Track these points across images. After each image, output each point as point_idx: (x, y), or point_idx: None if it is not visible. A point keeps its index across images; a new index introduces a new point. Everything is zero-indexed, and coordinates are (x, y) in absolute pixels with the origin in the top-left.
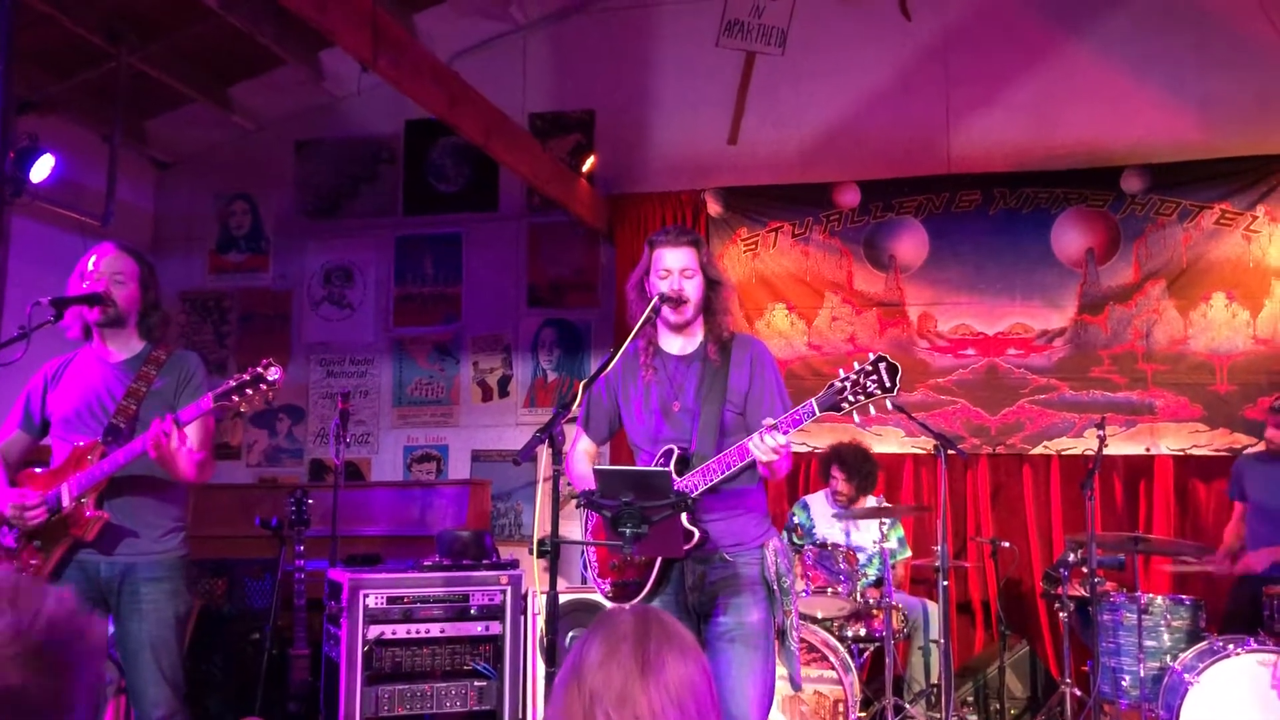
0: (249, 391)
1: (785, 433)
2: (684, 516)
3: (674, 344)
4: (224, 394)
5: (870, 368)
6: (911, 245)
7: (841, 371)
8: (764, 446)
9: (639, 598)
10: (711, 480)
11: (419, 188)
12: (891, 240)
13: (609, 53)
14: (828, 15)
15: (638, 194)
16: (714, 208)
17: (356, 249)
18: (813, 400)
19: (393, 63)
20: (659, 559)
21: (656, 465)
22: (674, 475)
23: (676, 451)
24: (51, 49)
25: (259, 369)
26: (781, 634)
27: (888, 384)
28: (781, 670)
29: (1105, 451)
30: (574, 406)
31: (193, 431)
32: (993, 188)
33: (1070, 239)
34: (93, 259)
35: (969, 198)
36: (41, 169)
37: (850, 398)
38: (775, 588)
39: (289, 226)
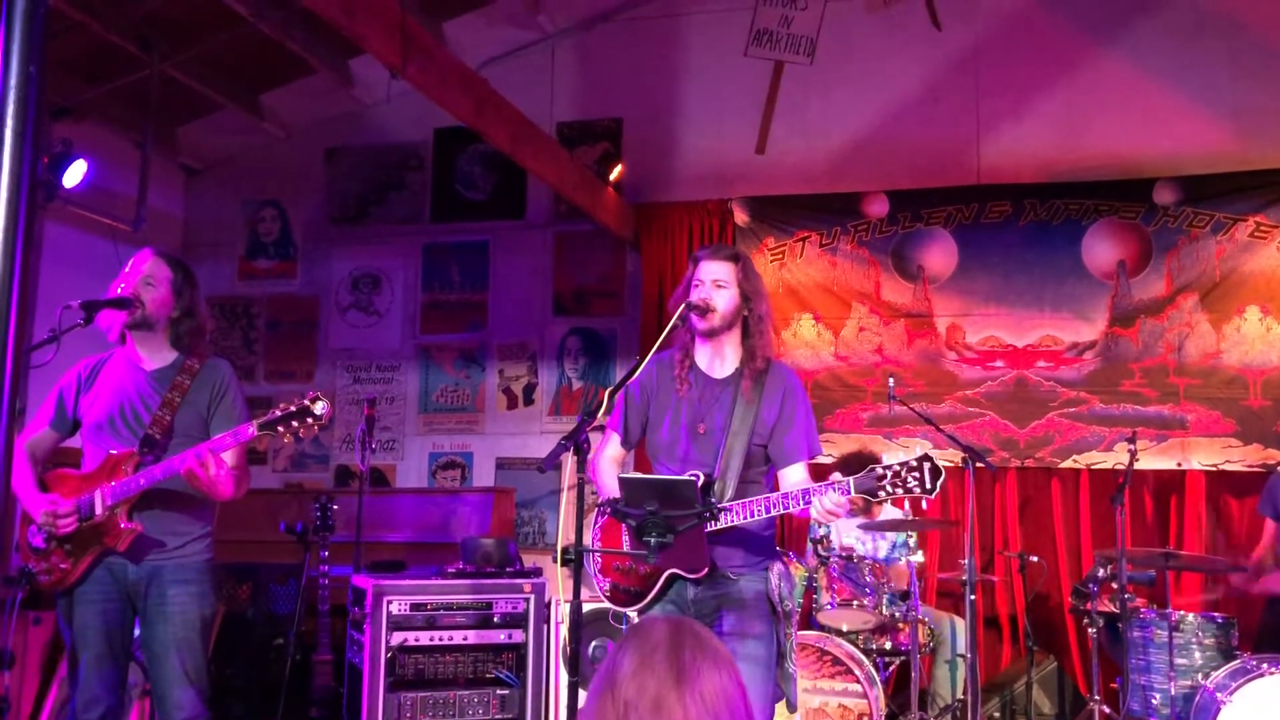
0: (294, 424)
1: (846, 495)
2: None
3: (708, 360)
4: (268, 424)
5: (915, 464)
6: (940, 256)
7: (885, 457)
8: (822, 510)
9: (640, 605)
10: (735, 520)
11: (447, 195)
12: (920, 251)
13: (637, 62)
14: (857, 25)
15: (665, 203)
16: (741, 217)
17: (384, 256)
18: (850, 480)
19: (421, 69)
20: (665, 574)
21: None
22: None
23: (702, 478)
24: (85, 56)
25: (306, 402)
26: (781, 656)
27: (928, 486)
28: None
29: (1136, 466)
30: (599, 414)
31: (238, 450)
32: (1023, 199)
33: (1101, 251)
34: (131, 262)
35: (999, 208)
36: (74, 174)
37: (888, 488)
38: (779, 609)
39: (317, 233)
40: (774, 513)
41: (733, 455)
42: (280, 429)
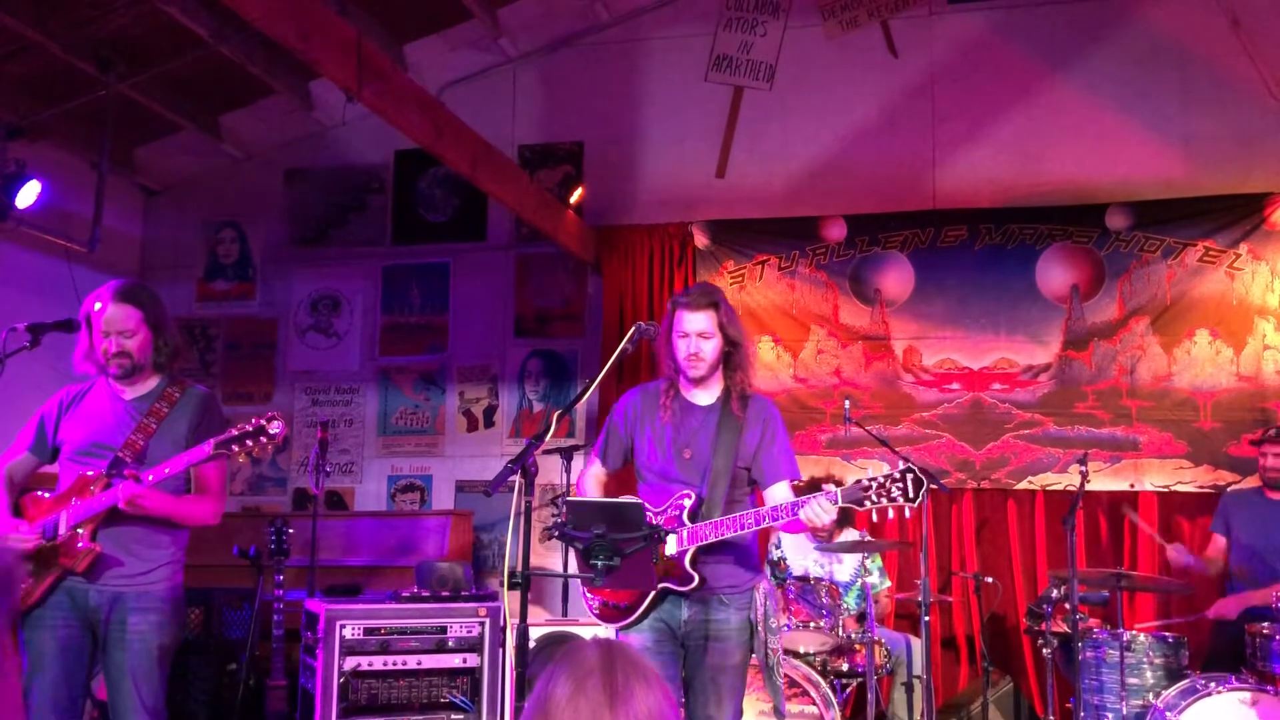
0: (249, 443)
1: (834, 502)
2: (686, 560)
3: (694, 392)
4: (224, 442)
5: (899, 476)
6: (897, 279)
7: (870, 470)
8: (818, 509)
9: (626, 622)
10: (725, 533)
11: (408, 217)
12: (877, 274)
13: (599, 86)
14: (815, 51)
15: (625, 226)
16: (701, 240)
17: (344, 278)
18: (837, 490)
19: (378, 93)
20: (653, 592)
21: (671, 508)
22: (687, 521)
23: (693, 499)
24: (41, 76)
25: (263, 421)
26: (769, 669)
27: (911, 495)
28: (766, 705)
29: (1089, 487)
30: (547, 436)
31: (207, 474)
32: (978, 223)
33: (1055, 275)
34: (97, 308)
35: (954, 233)
36: (27, 195)
37: (874, 498)
38: (761, 628)
39: (277, 255)
40: (765, 524)
41: (719, 476)
42: (235, 448)
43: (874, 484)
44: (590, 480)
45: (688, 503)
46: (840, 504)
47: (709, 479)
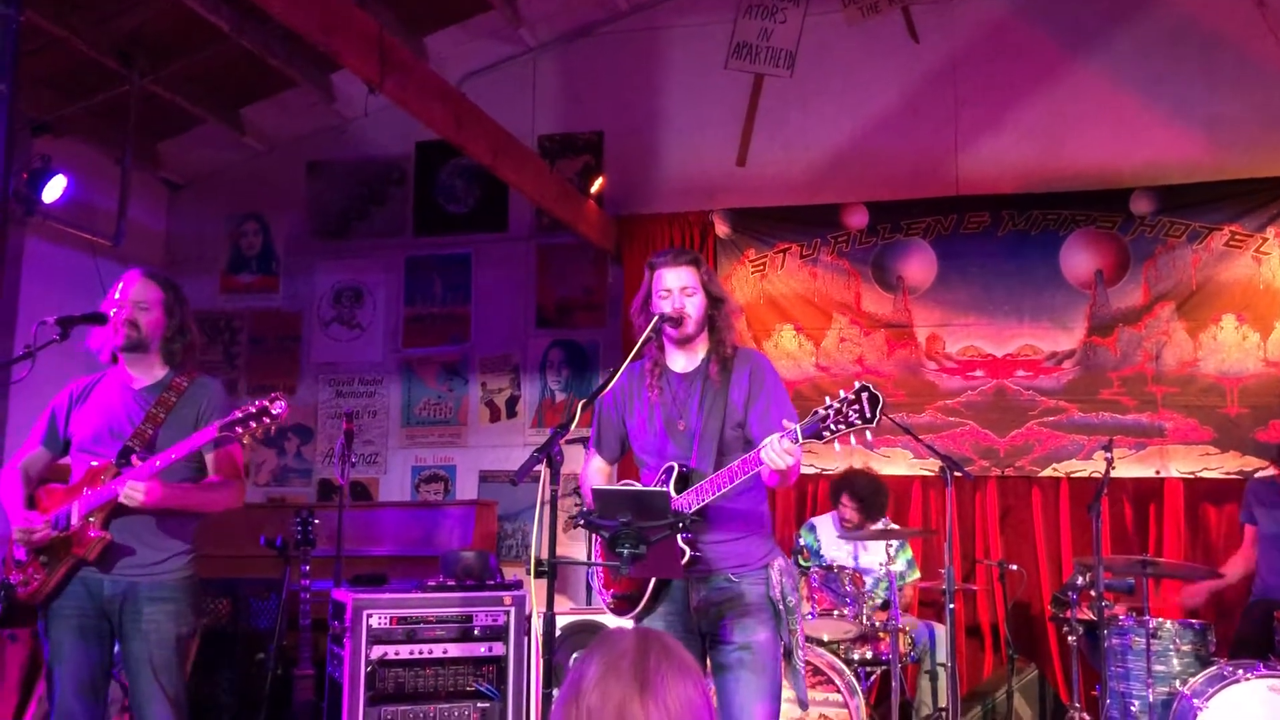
0: (253, 424)
1: (795, 440)
2: (679, 536)
3: (678, 361)
4: (229, 424)
5: (853, 397)
6: (920, 267)
7: (827, 399)
8: (778, 449)
9: (637, 610)
10: (705, 499)
11: (429, 208)
12: (899, 261)
13: (618, 75)
14: (836, 38)
15: (646, 215)
16: (722, 229)
17: (366, 269)
18: (796, 426)
19: (399, 84)
20: (653, 580)
21: (657, 483)
22: (672, 493)
23: (677, 469)
24: (65, 72)
25: (265, 401)
26: (788, 653)
27: (868, 414)
28: (789, 692)
29: (1115, 474)
30: (571, 425)
31: (222, 459)
32: (1001, 209)
33: (1079, 260)
34: (120, 285)
35: (977, 219)
36: (53, 190)
37: (832, 426)
38: (781, 607)
39: (299, 247)
40: (738, 480)
41: (707, 443)
42: (239, 429)
43: (831, 411)
44: (594, 472)
45: (673, 475)
46: (802, 440)
47: (696, 447)
